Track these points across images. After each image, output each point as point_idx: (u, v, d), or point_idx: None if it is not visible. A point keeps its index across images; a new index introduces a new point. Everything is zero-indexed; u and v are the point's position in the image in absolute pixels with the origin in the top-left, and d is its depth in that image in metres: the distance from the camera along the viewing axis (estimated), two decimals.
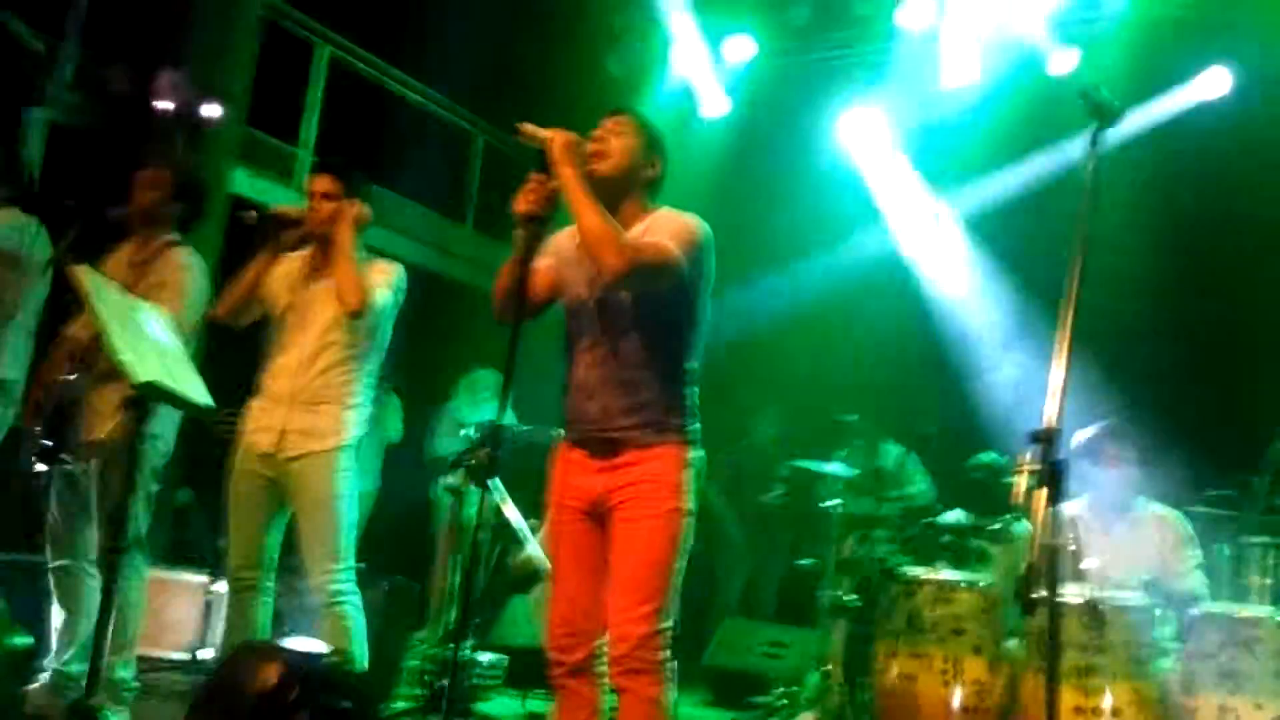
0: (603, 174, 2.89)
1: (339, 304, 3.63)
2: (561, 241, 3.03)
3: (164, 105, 6.55)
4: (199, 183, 4.14)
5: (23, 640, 3.37)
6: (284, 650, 2.51)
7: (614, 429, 2.90)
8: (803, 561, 5.80)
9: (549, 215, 2.84)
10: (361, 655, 3.67)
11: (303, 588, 3.77)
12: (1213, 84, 6.33)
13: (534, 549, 3.67)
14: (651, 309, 2.89)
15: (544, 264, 2.99)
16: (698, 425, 2.97)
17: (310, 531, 3.64)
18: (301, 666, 2.37)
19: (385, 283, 3.73)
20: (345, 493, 3.68)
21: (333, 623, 3.62)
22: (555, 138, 2.82)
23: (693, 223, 2.94)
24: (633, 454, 2.88)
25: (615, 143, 2.95)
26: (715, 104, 7.65)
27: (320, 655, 2.51)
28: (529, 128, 2.84)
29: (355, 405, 3.74)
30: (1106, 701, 3.71)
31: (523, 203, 2.81)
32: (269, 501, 3.68)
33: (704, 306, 2.98)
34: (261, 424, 3.71)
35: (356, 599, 3.67)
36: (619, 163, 2.93)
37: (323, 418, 3.67)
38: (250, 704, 2.28)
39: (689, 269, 2.88)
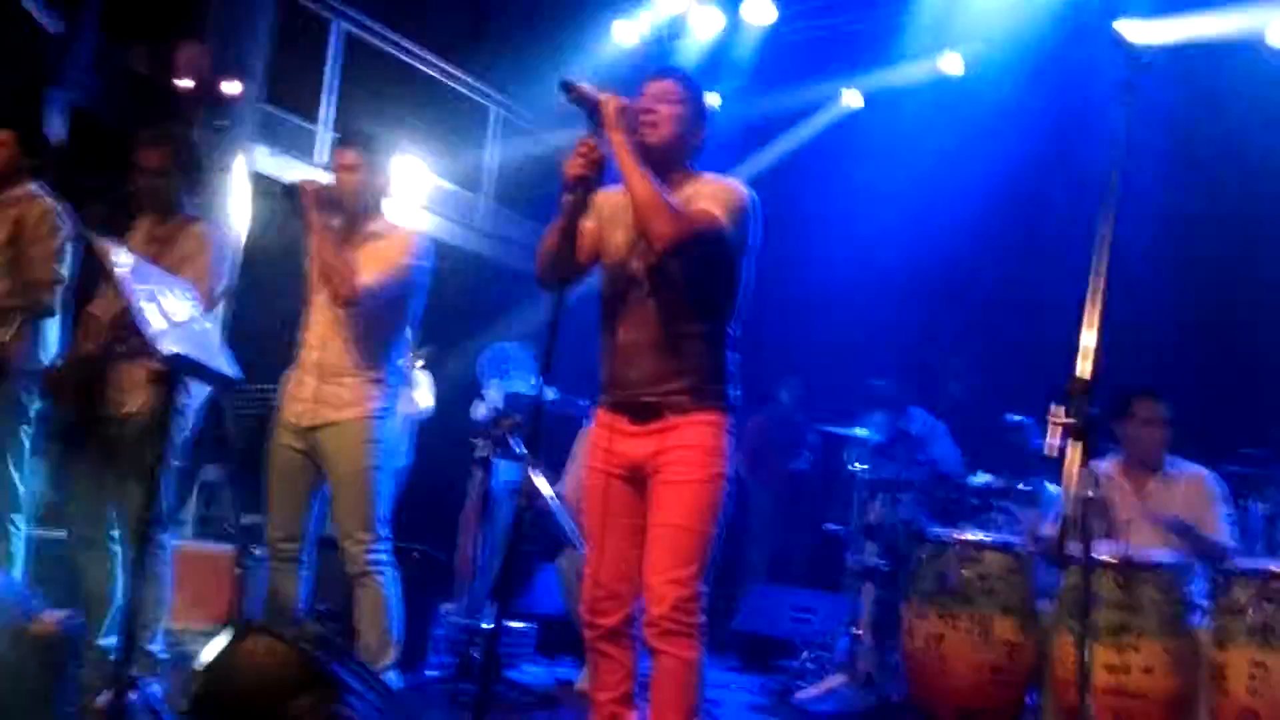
0: (653, 143, 2.86)
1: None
2: (601, 203, 3.00)
3: (184, 84, 6.55)
4: (194, 151, 4.11)
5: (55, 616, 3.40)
6: (283, 631, 2.51)
7: (655, 394, 2.88)
8: (830, 526, 5.79)
9: (597, 179, 2.81)
10: (397, 627, 3.69)
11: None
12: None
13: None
14: (696, 274, 2.87)
15: (586, 226, 2.96)
16: (739, 391, 2.96)
17: (343, 502, 3.65)
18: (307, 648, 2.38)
19: (396, 260, 3.68)
20: (377, 464, 3.68)
21: (367, 594, 3.65)
22: (609, 101, 2.78)
23: (739, 188, 2.93)
24: (674, 419, 2.87)
25: (665, 110, 2.90)
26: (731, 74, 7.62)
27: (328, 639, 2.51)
28: (584, 87, 2.79)
29: (381, 376, 3.74)
30: (1139, 659, 3.70)
31: (572, 166, 2.78)
32: (305, 474, 3.70)
33: (748, 272, 2.96)
34: (293, 395, 3.72)
35: (392, 570, 3.69)
36: (669, 131, 2.90)
37: (347, 389, 3.68)
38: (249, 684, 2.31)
39: (735, 235, 2.87)
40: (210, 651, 2.47)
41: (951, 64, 7.22)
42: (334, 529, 3.73)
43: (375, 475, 3.68)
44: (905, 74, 7.37)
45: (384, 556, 3.68)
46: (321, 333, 3.72)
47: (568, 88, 2.79)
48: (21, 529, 3.93)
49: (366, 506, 3.65)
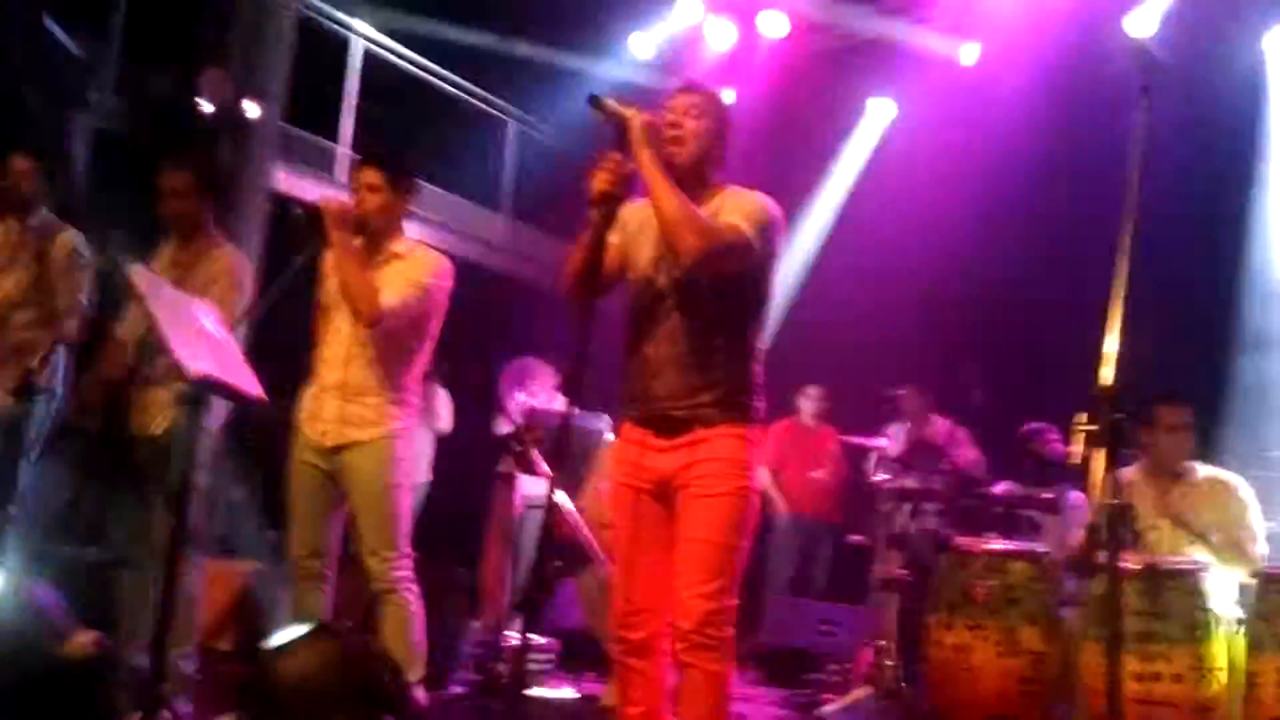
0: (679, 159, 2.87)
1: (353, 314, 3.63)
2: (627, 218, 3.00)
3: (205, 106, 6.62)
4: (219, 176, 4.15)
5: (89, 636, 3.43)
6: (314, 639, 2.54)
7: (682, 407, 2.89)
8: (853, 537, 5.78)
9: (624, 195, 2.81)
10: (420, 644, 3.70)
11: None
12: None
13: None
14: (722, 287, 2.87)
15: (611, 241, 2.96)
16: (762, 404, 2.97)
17: (366, 521, 3.67)
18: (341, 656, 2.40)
19: (418, 280, 3.69)
20: (398, 482, 3.70)
21: (391, 611, 3.66)
22: (635, 118, 2.78)
23: (764, 202, 2.94)
24: (700, 432, 2.87)
25: (691, 126, 2.90)
26: (747, 82, 7.62)
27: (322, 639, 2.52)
28: (610, 103, 2.80)
29: (402, 396, 3.76)
30: (1168, 667, 3.67)
31: (599, 181, 2.78)
32: (326, 491, 3.72)
33: (772, 285, 2.97)
34: (313, 413, 3.75)
35: (415, 588, 3.70)
36: (694, 146, 2.90)
37: (370, 408, 3.70)
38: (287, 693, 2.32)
39: (761, 248, 2.88)
40: (277, 641, 2.49)
41: (969, 54, 7.14)
42: (357, 546, 3.74)
43: (398, 493, 3.70)
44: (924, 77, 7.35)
45: (408, 574, 3.70)
46: (343, 353, 3.73)
47: (596, 103, 2.80)
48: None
49: (391, 524, 3.67)
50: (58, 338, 3.89)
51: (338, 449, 3.68)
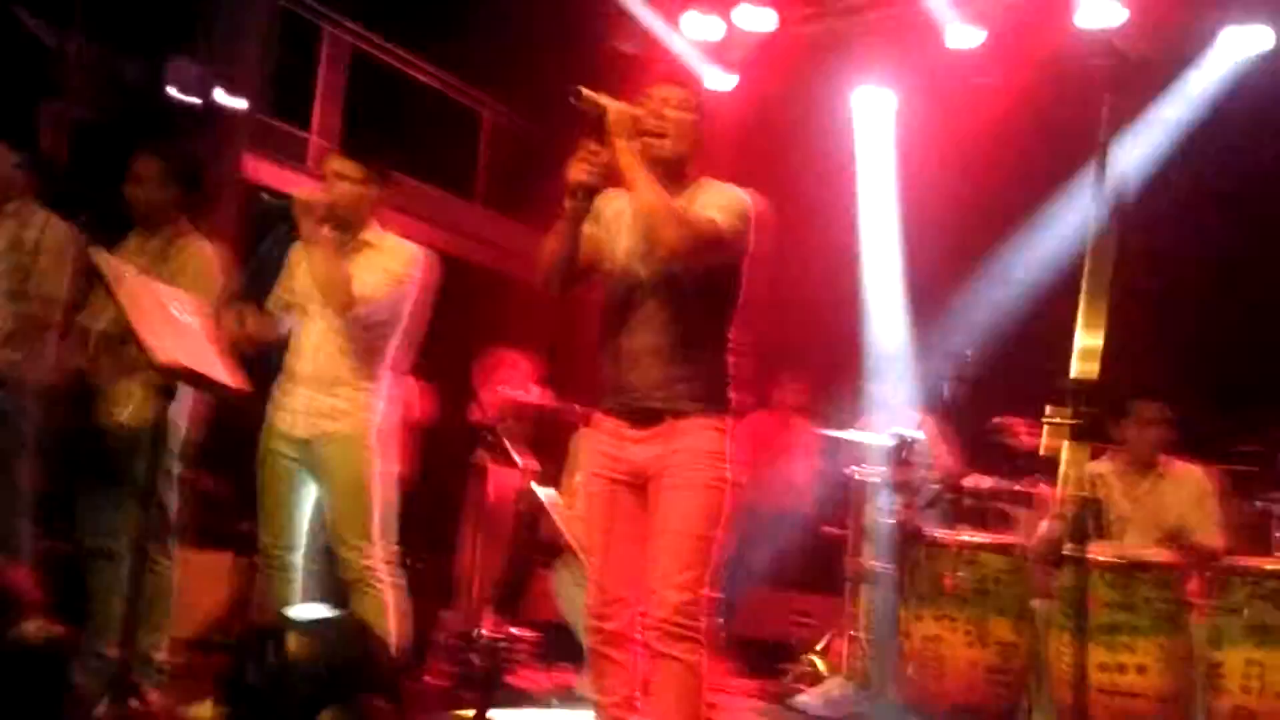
0: (659, 152, 2.88)
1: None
2: (601, 207, 3.00)
3: (179, 95, 6.56)
4: (189, 163, 4.12)
5: (60, 627, 3.42)
6: (293, 621, 2.54)
7: (657, 399, 2.90)
8: (828, 529, 5.80)
9: (601, 185, 2.83)
10: (395, 634, 3.69)
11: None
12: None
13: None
14: (698, 279, 2.89)
15: (586, 231, 2.97)
16: (737, 395, 2.97)
17: (340, 511, 3.66)
18: (314, 635, 2.41)
19: (390, 269, 3.68)
20: (368, 472, 3.69)
21: (365, 600, 3.65)
22: (614, 109, 2.80)
23: (740, 195, 2.95)
24: (675, 423, 2.89)
25: (673, 121, 2.92)
26: (725, 76, 7.59)
27: (332, 621, 2.53)
28: (590, 94, 2.81)
29: (376, 386, 3.75)
30: (1134, 658, 3.72)
31: (576, 171, 2.80)
32: (296, 481, 3.71)
33: (746, 277, 2.98)
34: (285, 405, 3.74)
35: (389, 579, 3.69)
36: (675, 139, 2.92)
37: (343, 399, 3.69)
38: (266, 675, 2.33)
39: (738, 241, 2.90)
40: (268, 625, 2.49)
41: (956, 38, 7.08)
42: (328, 536, 3.73)
43: (371, 484, 3.69)
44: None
45: (381, 564, 3.69)
46: (315, 343, 3.72)
47: (577, 95, 2.81)
48: (28, 537, 3.93)
49: (363, 514, 3.66)
50: (37, 325, 3.83)
51: (309, 440, 3.67)
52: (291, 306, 3.81)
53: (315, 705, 2.34)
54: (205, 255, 3.87)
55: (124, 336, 3.32)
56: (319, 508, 3.76)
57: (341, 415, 3.68)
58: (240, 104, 6.84)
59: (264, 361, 3.84)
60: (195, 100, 6.57)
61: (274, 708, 2.32)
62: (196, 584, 5.01)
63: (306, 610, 2.61)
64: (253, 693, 2.34)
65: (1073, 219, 6.23)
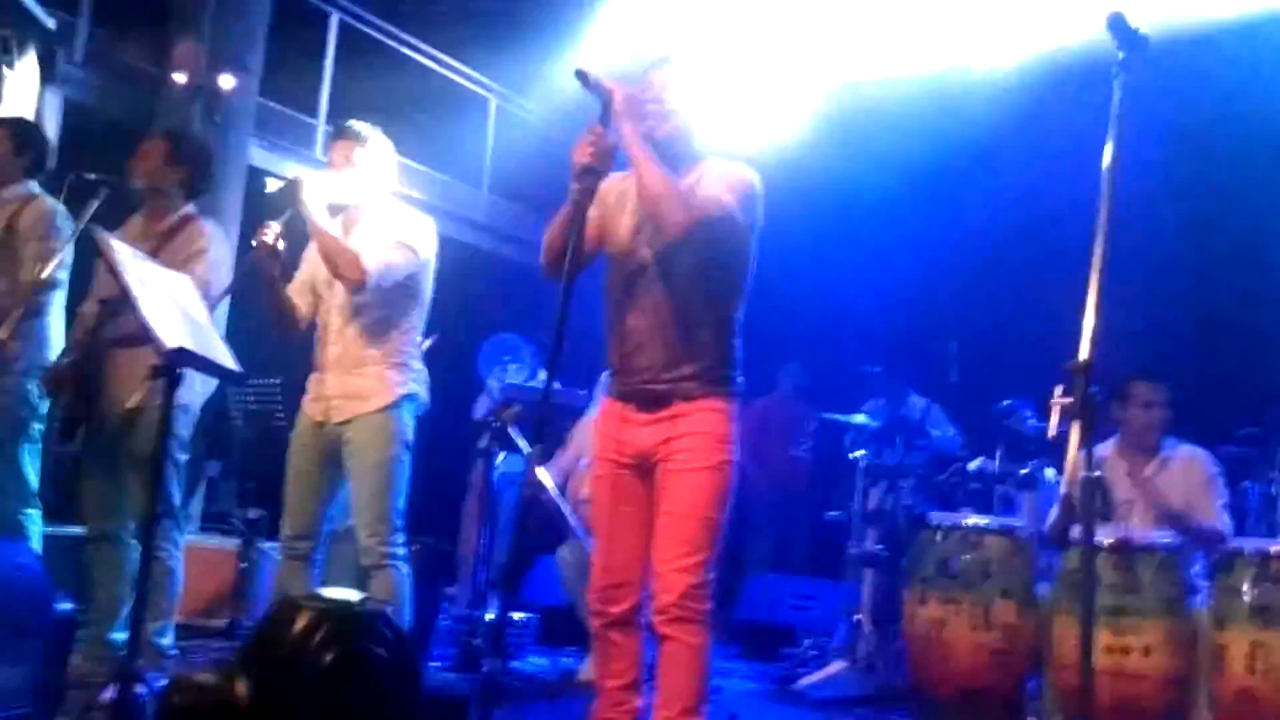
0: (662, 133, 2.87)
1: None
2: (606, 190, 2.98)
3: (180, 79, 6.54)
4: (198, 148, 4.10)
5: (66, 608, 3.42)
6: (319, 598, 2.55)
7: (663, 381, 2.89)
8: (831, 513, 5.81)
9: (606, 168, 2.81)
10: (407, 618, 3.67)
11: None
12: None
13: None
14: (704, 260, 2.88)
15: (591, 214, 2.95)
16: (743, 378, 2.97)
17: (364, 494, 3.61)
18: (332, 611, 2.41)
19: (399, 239, 3.64)
20: (397, 454, 3.63)
21: (381, 585, 3.62)
22: (619, 92, 2.79)
23: (746, 173, 2.94)
24: (681, 406, 2.88)
25: (673, 100, 2.91)
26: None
27: (356, 602, 2.53)
28: (595, 77, 2.81)
29: (400, 363, 3.69)
30: (1138, 640, 3.72)
31: (582, 155, 2.78)
32: (324, 473, 3.67)
33: (753, 257, 2.97)
34: (316, 395, 3.70)
35: (405, 564, 3.67)
36: (677, 120, 2.91)
37: (368, 379, 3.64)
38: (284, 651, 2.33)
39: (743, 219, 2.89)
40: (278, 610, 2.49)
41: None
42: (351, 520, 3.70)
43: (397, 467, 3.64)
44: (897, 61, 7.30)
45: (400, 550, 3.67)
46: (337, 328, 3.68)
47: (582, 77, 2.80)
48: (37, 524, 3.94)
49: (386, 499, 3.61)
50: (20, 306, 3.81)
51: (340, 424, 3.63)
52: (310, 296, 3.77)
53: (334, 687, 2.34)
54: (208, 239, 3.85)
55: (128, 319, 3.31)
56: (339, 500, 3.73)
57: (371, 394, 3.62)
58: (242, 89, 6.81)
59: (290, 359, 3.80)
60: (195, 84, 6.55)
61: (293, 689, 2.32)
62: (204, 571, 5.04)
63: (327, 593, 2.60)
64: (272, 673, 2.34)
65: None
